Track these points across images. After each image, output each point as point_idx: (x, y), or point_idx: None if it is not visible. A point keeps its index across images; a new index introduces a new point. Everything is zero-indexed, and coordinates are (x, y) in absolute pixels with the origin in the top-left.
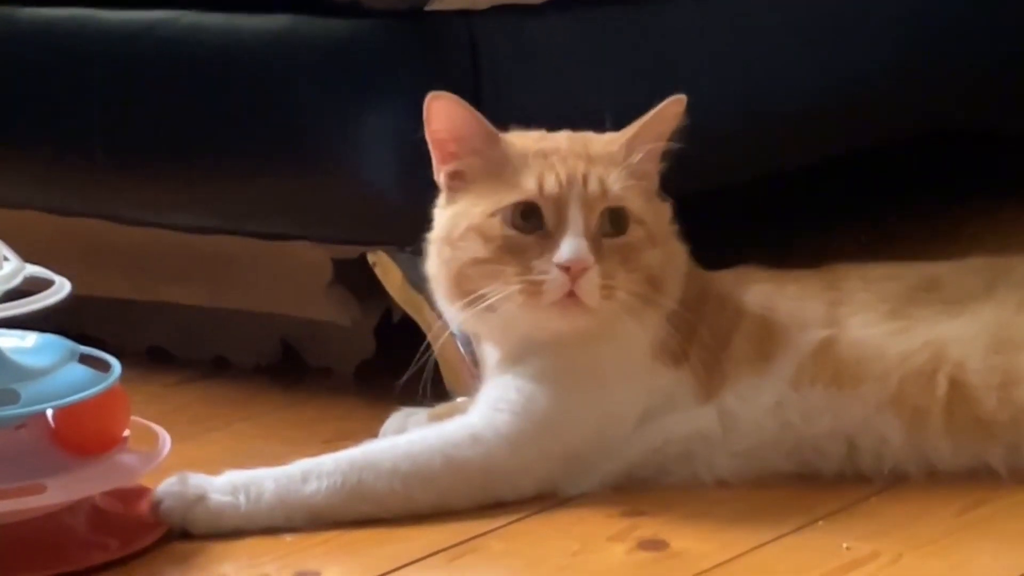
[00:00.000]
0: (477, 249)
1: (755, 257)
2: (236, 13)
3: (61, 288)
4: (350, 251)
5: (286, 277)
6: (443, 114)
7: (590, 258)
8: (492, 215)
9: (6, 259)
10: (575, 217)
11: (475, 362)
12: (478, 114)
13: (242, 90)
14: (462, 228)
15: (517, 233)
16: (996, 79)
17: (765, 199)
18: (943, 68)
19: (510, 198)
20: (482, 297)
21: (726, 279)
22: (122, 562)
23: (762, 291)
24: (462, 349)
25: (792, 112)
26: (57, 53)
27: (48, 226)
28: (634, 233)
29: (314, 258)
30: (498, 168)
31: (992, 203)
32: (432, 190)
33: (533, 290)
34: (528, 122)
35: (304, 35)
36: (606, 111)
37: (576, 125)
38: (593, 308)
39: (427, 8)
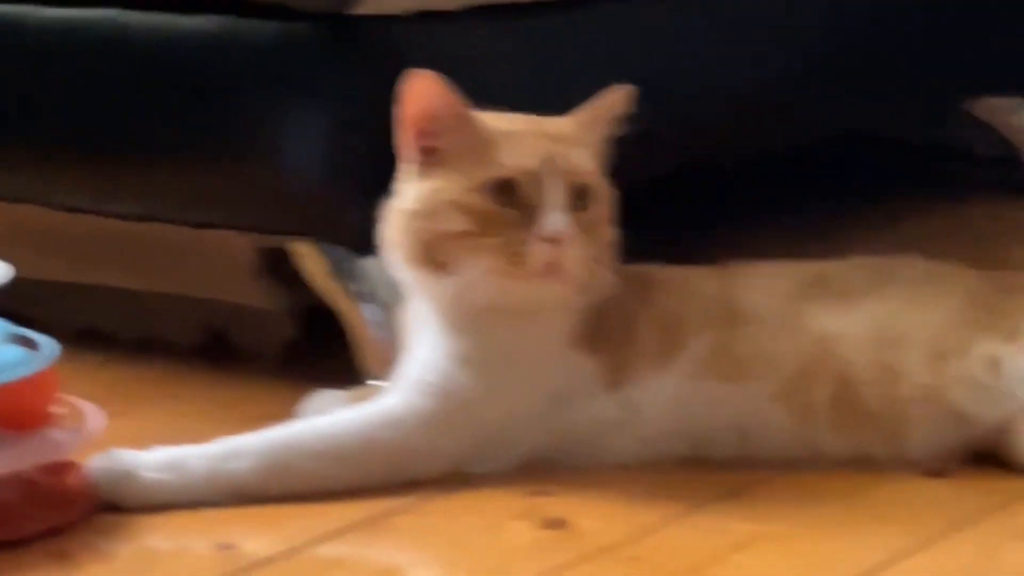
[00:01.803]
0: (457, 222)
1: (670, 253)
2: (171, 14)
3: (7, 274)
4: (276, 241)
5: (215, 264)
6: (423, 92)
7: (571, 230)
8: (473, 190)
9: None
10: (554, 192)
11: (392, 347)
12: (456, 93)
13: (176, 87)
14: (439, 202)
15: (498, 207)
16: (901, 91)
17: (684, 196)
18: (856, 76)
19: (491, 174)
20: (458, 267)
21: (637, 273)
22: (54, 533)
23: (667, 287)
24: (378, 333)
25: (713, 113)
26: None
27: None
28: (596, 209)
29: (242, 247)
30: (474, 145)
31: (893, 204)
32: (350, 186)
33: (517, 260)
34: None
35: (235, 36)
36: (527, 112)
37: None
38: (571, 277)
39: (350, 13)
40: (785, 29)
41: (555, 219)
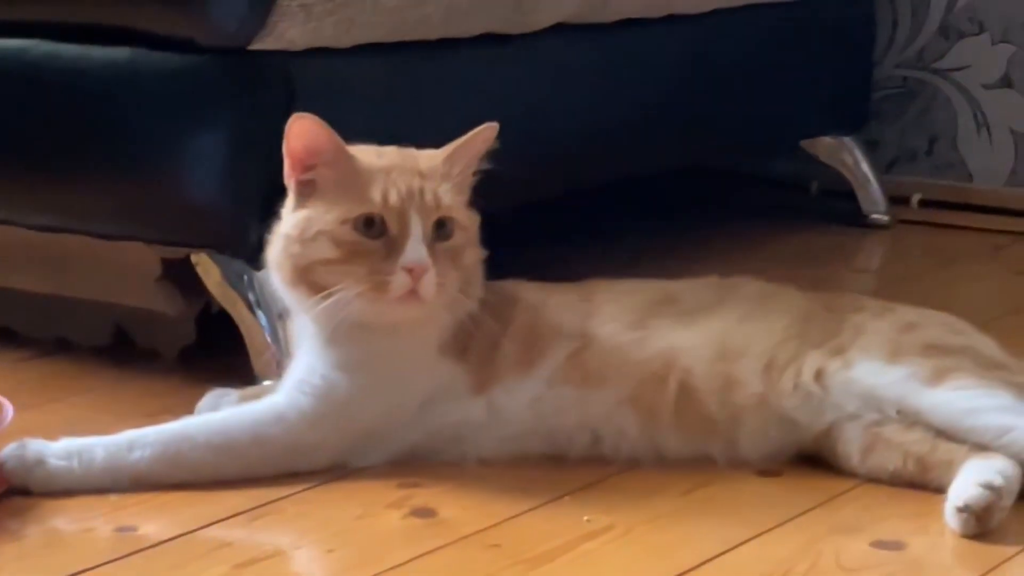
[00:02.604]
0: (328, 251)
1: (533, 270)
2: (85, 44)
3: None
4: (177, 252)
5: (122, 272)
6: (304, 131)
7: (429, 261)
8: (343, 223)
9: None
10: (415, 226)
11: (281, 351)
12: (333, 132)
13: (89, 111)
14: (313, 231)
15: (365, 239)
16: (740, 132)
17: (545, 220)
18: (699, 119)
19: (359, 209)
20: (331, 292)
21: (502, 289)
22: None
23: (530, 301)
24: (269, 339)
25: (571, 147)
26: None
27: None
28: (459, 238)
29: (146, 257)
30: (347, 180)
31: (730, 229)
32: (247, 204)
33: (381, 288)
34: None
35: (144, 65)
36: (407, 141)
37: None
38: (428, 302)
39: (250, 47)
40: (634, 75)
41: (415, 251)
